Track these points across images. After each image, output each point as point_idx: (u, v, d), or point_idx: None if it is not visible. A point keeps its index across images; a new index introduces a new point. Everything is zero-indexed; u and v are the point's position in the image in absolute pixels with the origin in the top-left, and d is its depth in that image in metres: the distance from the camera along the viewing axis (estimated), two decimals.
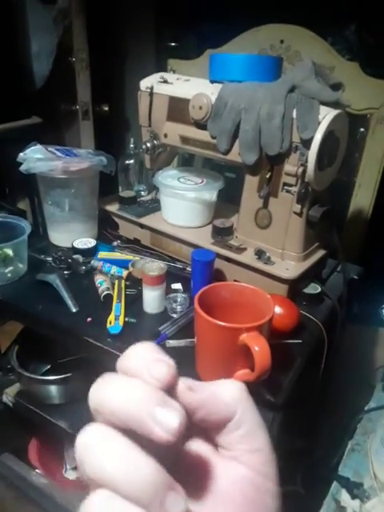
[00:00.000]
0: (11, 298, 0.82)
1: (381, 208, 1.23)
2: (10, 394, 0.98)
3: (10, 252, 0.82)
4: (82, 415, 0.92)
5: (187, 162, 1.46)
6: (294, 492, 0.91)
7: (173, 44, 1.67)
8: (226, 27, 1.37)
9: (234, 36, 1.30)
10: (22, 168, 0.82)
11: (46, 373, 0.97)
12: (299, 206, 0.80)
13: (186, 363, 0.67)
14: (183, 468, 0.24)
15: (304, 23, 1.22)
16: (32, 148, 0.85)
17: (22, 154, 0.83)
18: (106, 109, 1.79)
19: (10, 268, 0.85)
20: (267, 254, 0.84)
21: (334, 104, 0.75)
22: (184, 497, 0.19)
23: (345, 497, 0.74)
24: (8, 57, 1.53)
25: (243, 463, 0.24)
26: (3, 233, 0.87)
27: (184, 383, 0.23)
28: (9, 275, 0.85)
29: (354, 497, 0.74)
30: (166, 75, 0.88)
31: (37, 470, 1.08)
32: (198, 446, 0.25)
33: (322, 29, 1.23)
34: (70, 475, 1.18)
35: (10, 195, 1.81)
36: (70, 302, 0.79)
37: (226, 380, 0.25)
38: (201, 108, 0.81)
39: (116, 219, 1.02)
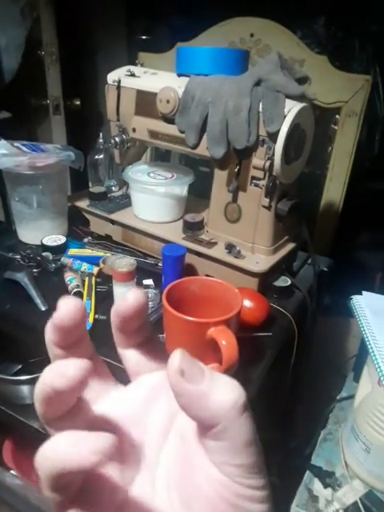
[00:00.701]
0: None
1: (351, 201, 1.24)
2: None
3: None
4: None
5: (163, 157, 1.45)
6: (270, 483, 0.92)
7: (144, 37, 1.65)
8: (197, 20, 1.36)
9: (205, 29, 1.29)
10: None
11: (17, 373, 0.96)
12: (267, 200, 0.80)
13: None
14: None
15: (274, 17, 1.22)
16: None
17: None
18: (78, 103, 1.76)
19: None
20: (237, 248, 0.84)
21: (299, 97, 0.76)
22: None
23: (317, 486, 0.75)
24: None
25: (222, 471, 0.21)
26: None
27: (179, 364, 0.21)
28: None
29: (326, 486, 0.75)
30: (133, 68, 0.87)
31: (11, 471, 1.07)
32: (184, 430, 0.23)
33: (291, 22, 1.24)
34: None
35: None
36: (38, 301, 0.78)
37: (227, 381, 0.22)
38: (168, 102, 0.80)
39: (86, 215, 1.01)
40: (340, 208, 1.26)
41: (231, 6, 1.29)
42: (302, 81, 0.82)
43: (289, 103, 0.74)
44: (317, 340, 1.02)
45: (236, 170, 0.81)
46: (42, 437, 0.82)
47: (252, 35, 1.27)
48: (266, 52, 1.27)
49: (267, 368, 0.70)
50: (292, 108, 0.74)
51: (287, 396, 0.96)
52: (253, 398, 0.63)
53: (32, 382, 0.89)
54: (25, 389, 0.89)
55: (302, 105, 0.75)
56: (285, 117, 0.74)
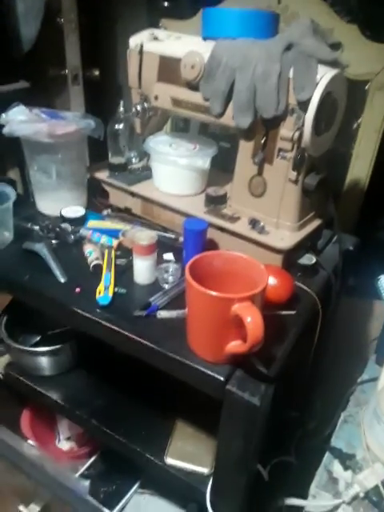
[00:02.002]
0: None
1: (378, 179, 1.20)
2: (0, 366, 0.96)
3: None
4: (73, 387, 0.91)
5: (182, 130, 1.41)
6: (286, 462, 0.92)
7: (166, 3, 1.59)
8: None
9: None
10: (4, 130, 0.77)
11: (36, 344, 0.96)
12: (295, 173, 0.76)
13: (178, 335, 0.65)
14: None
15: None
16: (15, 109, 0.80)
17: (3, 116, 0.79)
18: (97, 73, 1.72)
19: None
20: (261, 224, 0.81)
21: (332, 63, 0.71)
22: None
23: (337, 468, 0.74)
24: None
25: None
26: None
27: None
28: None
29: (346, 468, 0.73)
30: (156, 32, 0.83)
31: (29, 441, 1.08)
32: None
33: None
34: (63, 446, 1.19)
35: (3, 165, 1.76)
36: (57, 272, 0.76)
37: None
38: (193, 67, 0.76)
39: (106, 187, 0.98)
40: (366, 186, 1.22)
41: None
42: (335, 47, 0.77)
43: (321, 69, 0.70)
44: (339, 320, 1.00)
45: (262, 141, 0.77)
46: (60, 407, 0.82)
47: (279, 2, 1.21)
48: (294, 20, 1.21)
49: (290, 347, 0.68)
50: (325, 74, 0.70)
51: (308, 376, 0.94)
52: (275, 377, 0.62)
53: (50, 354, 0.89)
54: (43, 360, 0.89)
55: (335, 71, 0.71)
56: (317, 84, 0.69)
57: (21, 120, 0.78)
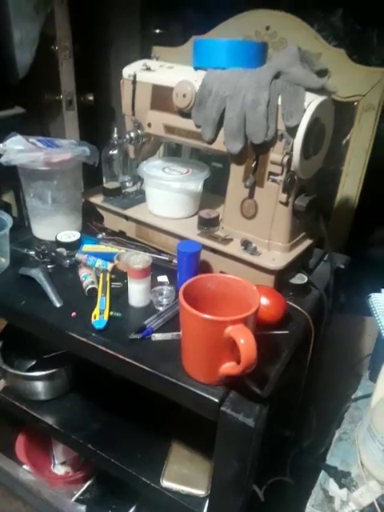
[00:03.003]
0: None
1: (367, 197, 1.22)
2: None
3: None
4: (68, 411, 0.91)
5: (174, 153, 1.44)
6: (282, 482, 0.91)
7: (158, 31, 1.64)
8: (212, 13, 1.34)
9: (220, 22, 1.27)
10: (2, 160, 0.79)
11: (32, 368, 0.96)
12: (285, 196, 0.79)
13: (173, 357, 0.66)
14: None
15: (290, 9, 1.20)
16: (12, 139, 0.83)
17: (1, 145, 0.81)
18: (91, 98, 1.76)
19: None
20: (253, 245, 0.83)
21: (319, 90, 0.74)
22: None
23: (333, 486, 0.74)
24: None
25: None
26: None
27: None
28: None
29: (341, 486, 0.74)
30: (149, 62, 0.86)
31: (24, 466, 1.07)
32: None
33: (308, 15, 1.21)
34: (58, 470, 1.17)
35: None
36: (53, 297, 0.77)
37: None
38: (185, 96, 0.79)
39: (101, 211, 1.00)
40: (356, 204, 1.24)
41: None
42: (321, 73, 0.80)
43: (308, 96, 0.73)
44: (332, 338, 1.01)
45: (253, 165, 0.79)
46: (55, 432, 0.82)
47: (268, 28, 1.25)
48: (282, 45, 1.25)
49: (284, 367, 0.69)
50: (312, 101, 0.72)
51: (301, 394, 0.95)
52: (269, 397, 0.62)
53: (46, 378, 0.89)
54: (39, 385, 0.89)
55: (322, 98, 0.74)
56: (304, 111, 0.72)
57: (18, 149, 0.80)
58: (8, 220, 0.83)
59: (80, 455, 1.12)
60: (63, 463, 1.19)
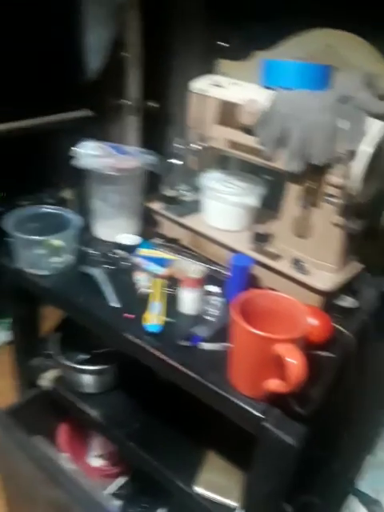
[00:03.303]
0: (57, 287, 0.86)
1: None
2: (47, 379, 1.02)
3: (59, 243, 0.85)
4: (112, 407, 0.95)
5: (222, 163, 1.45)
6: (311, 502, 0.91)
7: (222, 44, 1.66)
8: (275, 29, 1.35)
9: (282, 37, 1.28)
10: (77, 163, 0.85)
11: (83, 362, 1.00)
12: (340, 218, 0.79)
13: (219, 367, 0.68)
14: None
15: (352, 28, 1.19)
16: (86, 144, 0.88)
17: (77, 150, 0.87)
18: (154, 105, 1.81)
19: (59, 258, 0.88)
20: (304, 264, 0.84)
21: (382, 116, 0.75)
22: None
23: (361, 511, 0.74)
24: (65, 48, 1.57)
25: None
26: (52, 223, 0.90)
27: None
28: (57, 265, 0.89)
29: None
30: (218, 78, 0.89)
31: (65, 454, 1.12)
32: None
33: (370, 34, 1.20)
34: (94, 462, 1.22)
35: (58, 185, 1.87)
36: (110, 297, 0.81)
37: None
38: (251, 114, 0.81)
39: (158, 217, 1.04)
40: None
41: (310, 16, 1.27)
42: None
43: (372, 122, 0.73)
44: (372, 362, 0.99)
45: (311, 185, 0.80)
46: (97, 425, 0.86)
47: (329, 46, 1.25)
48: (343, 65, 1.24)
49: (327, 388, 0.70)
50: (375, 127, 0.73)
51: (338, 417, 0.94)
52: (311, 418, 0.63)
53: (96, 373, 0.93)
54: (88, 378, 0.94)
55: None
56: (367, 136, 0.73)
57: (92, 154, 0.86)
58: (77, 220, 0.88)
59: (117, 451, 1.15)
60: (99, 456, 1.23)
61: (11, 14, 1.37)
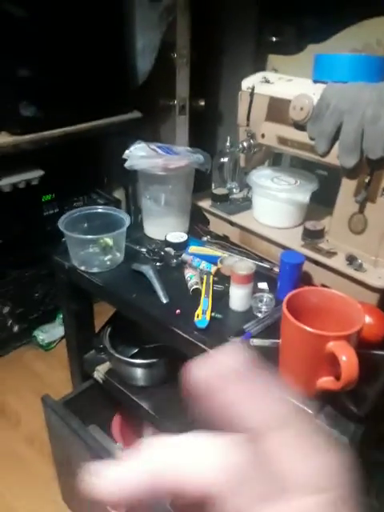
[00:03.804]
0: (109, 284, 0.89)
1: None
2: (100, 372, 1.06)
3: (110, 242, 0.88)
4: (163, 399, 0.97)
5: (275, 158, 1.44)
6: (368, 504, 0.88)
7: (273, 39, 1.65)
8: (328, 21, 1.32)
9: (336, 31, 1.25)
10: (127, 164, 0.87)
11: (134, 356, 1.03)
12: None
13: (269, 364, 0.67)
14: None
15: None
16: (136, 146, 0.91)
17: (127, 152, 0.89)
18: (202, 104, 1.82)
19: (109, 256, 0.92)
20: (359, 261, 0.81)
21: None
22: None
23: None
24: (115, 52, 1.62)
25: None
26: (102, 223, 0.93)
27: None
28: (108, 263, 0.92)
29: None
30: (267, 75, 0.88)
31: (118, 444, 1.16)
32: None
33: None
34: None
35: (108, 185, 1.93)
36: (161, 293, 0.83)
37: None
38: (302, 109, 0.80)
39: (207, 215, 1.05)
40: None
41: (362, 6, 1.23)
42: None
43: None
44: None
45: (367, 180, 0.78)
46: (149, 417, 0.87)
47: (379, 43, 1.20)
48: None
49: (382, 387, 0.68)
50: None
51: None
52: (366, 417, 0.62)
53: (146, 366, 0.95)
54: (139, 371, 0.96)
55: None
56: None
57: (141, 155, 0.88)
58: (126, 219, 0.91)
59: None
60: None
61: (62, 21, 1.42)
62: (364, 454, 0.70)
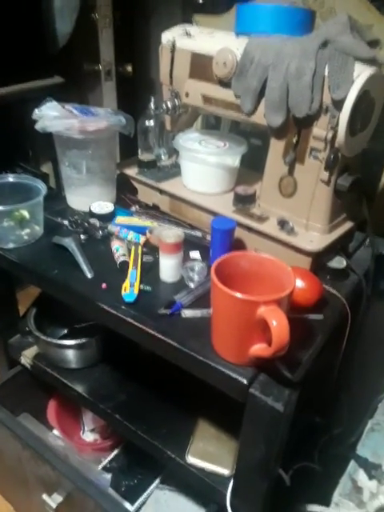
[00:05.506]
0: (27, 261, 0.81)
1: None
2: (27, 356, 0.99)
3: (26, 214, 0.80)
4: (97, 381, 0.93)
5: (213, 127, 1.40)
6: (310, 468, 0.90)
7: (200, 0, 1.58)
8: None
9: None
10: (37, 126, 0.79)
11: (64, 337, 0.97)
12: (327, 174, 0.75)
13: (202, 335, 0.65)
14: None
15: None
16: (47, 105, 0.82)
17: (37, 111, 0.80)
18: (130, 69, 1.73)
19: (27, 230, 0.84)
20: (291, 225, 0.80)
21: (370, 61, 0.69)
22: None
23: (362, 477, 0.72)
24: (31, 14, 1.48)
25: None
26: (21, 195, 0.85)
27: None
28: (25, 237, 0.84)
29: (371, 477, 0.72)
30: (189, 28, 0.82)
31: (54, 431, 1.11)
32: None
33: None
34: (87, 437, 1.21)
35: (34, 158, 1.80)
36: (85, 267, 0.77)
37: None
38: (225, 64, 0.75)
39: (135, 183, 0.99)
40: None
41: None
42: (373, 44, 0.74)
43: (358, 67, 0.68)
44: (369, 326, 0.97)
45: (294, 140, 0.75)
46: (84, 400, 0.83)
47: None
48: (331, 15, 1.17)
49: (317, 352, 0.67)
50: (362, 73, 0.67)
51: (334, 382, 0.92)
52: (300, 382, 0.60)
53: (77, 347, 0.90)
54: (70, 353, 0.91)
55: (373, 70, 0.68)
56: (353, 82, 0.67)
57: (53, 116, 0.79)
58: (43, 188, 0.83)
59: (107, 424, 1.14)
60: (92, 430, 1.22)
61: None
62: (302, 418, 0.70)
